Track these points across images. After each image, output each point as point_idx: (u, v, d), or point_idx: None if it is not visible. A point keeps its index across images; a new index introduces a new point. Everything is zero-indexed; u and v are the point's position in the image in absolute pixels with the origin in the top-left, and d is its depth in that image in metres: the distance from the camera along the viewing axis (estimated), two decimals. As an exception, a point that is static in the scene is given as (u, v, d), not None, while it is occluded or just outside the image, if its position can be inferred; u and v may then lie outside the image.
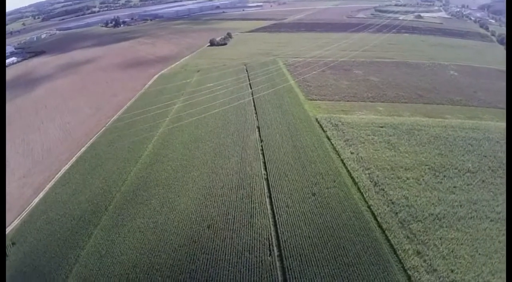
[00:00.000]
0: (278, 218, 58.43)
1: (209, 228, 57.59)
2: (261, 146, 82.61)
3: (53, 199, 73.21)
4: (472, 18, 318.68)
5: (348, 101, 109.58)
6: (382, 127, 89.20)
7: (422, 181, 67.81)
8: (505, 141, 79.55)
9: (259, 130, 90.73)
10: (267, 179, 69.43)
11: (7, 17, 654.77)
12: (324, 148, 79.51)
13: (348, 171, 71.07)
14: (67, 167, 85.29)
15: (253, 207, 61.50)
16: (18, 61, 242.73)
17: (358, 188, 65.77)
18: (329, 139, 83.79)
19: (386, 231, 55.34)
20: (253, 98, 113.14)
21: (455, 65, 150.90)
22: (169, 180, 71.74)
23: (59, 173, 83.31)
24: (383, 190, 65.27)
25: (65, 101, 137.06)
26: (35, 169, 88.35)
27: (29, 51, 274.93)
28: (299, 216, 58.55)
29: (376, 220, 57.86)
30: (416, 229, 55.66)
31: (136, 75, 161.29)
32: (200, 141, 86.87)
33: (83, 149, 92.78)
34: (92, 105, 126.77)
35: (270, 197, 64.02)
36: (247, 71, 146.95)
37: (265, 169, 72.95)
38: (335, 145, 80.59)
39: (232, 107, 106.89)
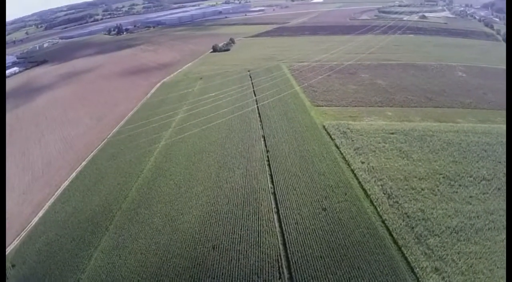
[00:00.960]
0: (287, 236, 54.96)
1: (214, 248, 54.21)
2: (267, 157, 79.32)
3: (52, 218, 70.25)
4: (477, 17, 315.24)
5: (355, 106, 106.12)
6: (392, 134, 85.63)
7: (437, 191, 64.15)
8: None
9: (264, 140, 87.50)
10: (274, 193, 66.04)
11: (10, 26, 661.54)
12: (333, 158, 76.02)
13: (359, 182, 67.50)
14: (67, 183, 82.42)
15: (260, 224, 58.09)
16: (20, 71, 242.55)
17: (371, 201, 62.16)
18: (337, 148, 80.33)
19: (402, 248, 51.73)
20: (257, 106, 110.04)
21: (462, 66, 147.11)
22: (172, 196, 68.53)
23: (59, 189, 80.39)
24: (398, 202, 61.62)
25: (66, 111, 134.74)
26: (35, 184, 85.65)
27: (31, 61, 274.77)
28: (309, 234, 55.04)
29: (392, 236, 54.24)
30: (433, 244, 52.13)
31: (138, 84, 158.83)
32: (204, 153, 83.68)
33: (83, 163, 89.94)
34: (93, 115, 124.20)
35: (278, 213, 60.59)
36: (250, 77, 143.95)
37: (272, 182, 69.57)
38: (344, 154, 77.08)
39: (236, 116, 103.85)
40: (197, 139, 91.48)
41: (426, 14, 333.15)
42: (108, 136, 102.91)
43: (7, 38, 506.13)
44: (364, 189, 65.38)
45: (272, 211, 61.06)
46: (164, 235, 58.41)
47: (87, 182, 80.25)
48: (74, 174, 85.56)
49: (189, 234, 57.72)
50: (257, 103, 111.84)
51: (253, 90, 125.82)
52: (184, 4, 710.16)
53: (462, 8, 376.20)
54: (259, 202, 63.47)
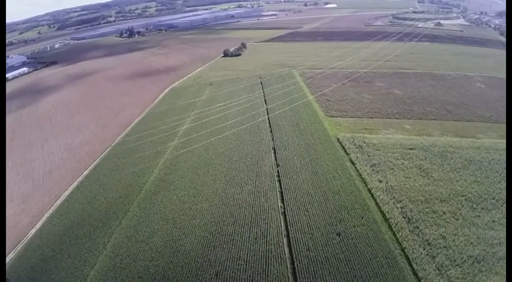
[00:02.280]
0: (297, 265, 50.17)
1: (217, 276, 49.64)
2: (277, 172, 74.66)
3: (49, 231, 66.72)
4: (492, 25, 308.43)
5: (371, 117, 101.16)
6: (411, 149, 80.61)
7: (459, 215, 59.28)
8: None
9: (274, 153, 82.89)
10: (284, 214, 61.31)
11: (23, 26, 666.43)
12: (348, 175, 71.07)
13: (377, 203, 62.56)
14: (67, 193, 78.86)
15: (269, 249, 53.36)
16: (29, 72, 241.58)
17: (390, 226, 57.22)
18: (353, 164, 75.41)
19: (422, 281, 46.93)
20: (268, 115, 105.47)
21: (481, 76, 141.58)
22: (175, 212, 64.12)
23: (59, 200, 76.97)
24: (418, 228, 56.71)
25: (71, 116, 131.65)
26: (35, 193, 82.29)
27: (41, 62, 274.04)
28: (322, 263, 50.20)
29: (412, 266, 49.37)
30: (454, 276, 47.64)
31: (147, 89, 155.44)
32: (211, 165, 79.21)
33: (85, 172, 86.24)
34: (98, 121, 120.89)
35: (288, 237, 55.82)
36: (261, 84, 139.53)
37: (282, 200, 64.84)
38: (360, 171, 72.12)
39: (245, 125, 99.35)
40: (203, 150, 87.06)
41: (441, 22, 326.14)
42: (112, 145, 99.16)
43: (19, 37, 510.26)
44: (382, 212, 60.46)
45: (282, 234, 56.36)
46: (164, 258, 54.02)
47: (87, 193, 76.37)
48: (75, 184, 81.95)
49: (191, 258, 53.22)
50: (267, 113, 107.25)
51: (264, 98, 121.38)
52: (196, 8, 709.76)
53: (476, 16, 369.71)
54: (268, 223, 58.80)
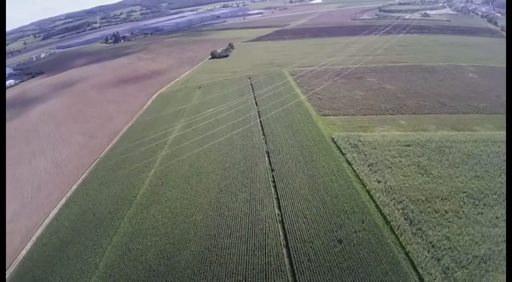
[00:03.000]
0: (299, 277, 47.62)
1: (215, 294, 47.00)
2: (272, 176, 72.11)
3: (40, 252, 63.60)
4: (479, 13, 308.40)
5: (365, 115, 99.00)
6: (408, 146, 78.47)
7: (462, 213, 56.99)
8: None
9: (268, 157, 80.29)
10: (282, 222, 58.72)
11: (9, 37, 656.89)
12: (345, 176, 68.70)
13: (377, 206, 60.20)
14: (56, 210, 75.78)
15: (268, 262, 50.72)
16: (15, 84, 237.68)
17: (392, 229, 54.86)
18: (350, 164, 73.08)
19: (428, 286, 44.54)
20: (259, 117, 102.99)
21: (472, 66, 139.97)
22: (168, 227, 61.27)
23: (48, 218, 73.81)
24: (421, 229, 54.37)
25: (58, 128, 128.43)
26: (24, 211, 79.38)
27: (27, 73, 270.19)
28: (325, 273, 47.70)
29: (417, 271, 47.05)
30: (461, 279, 45.47)
31: (134, 96, 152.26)
32: (203, 174, 76.38)
33: (74, 187, 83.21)
34: (85, 132, 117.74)
35: (287, 247, 53.23)
36: (251, 85, 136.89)
37: (279, 207, 62.26)
38: (358, 172, 69.77)
39: (237, 130, 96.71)
40: (195, 158, 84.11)
41: (428, 12, 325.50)
42: (100, 156, 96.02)
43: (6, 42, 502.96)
44: (383, 214, 58.09)
45: (281, 244, 53.73)
46: (159, 277, 51.19)
47: (76, 210, 73.44)
48: (64, 200, 78.90)
49: (186, 276, 50.45)
50: (259, 115, 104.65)
51: (255, 100, 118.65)
52: (182, 10, 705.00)
53: (463, 4, 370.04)
54: (266, 233, 56.18)
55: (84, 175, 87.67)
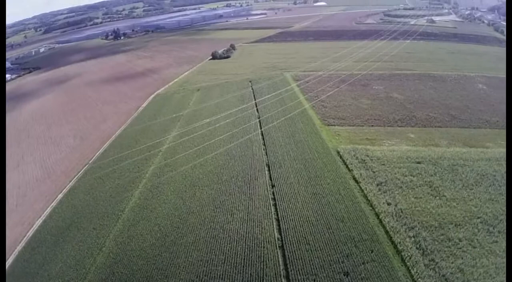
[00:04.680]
0: (301, 318, 42.11)
1: None
2: (272, 193, 66.58)
3: (21, 268, 58.27)
4: (485, 21, 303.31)
5: (372, 126, 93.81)
6: (419, 163, 73.28)
7: (476, 242, 52.22)
8: None
9: (269, 170, 74.73)
10: (282, 248, 53.19)
11: (10, 30, 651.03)
12: (352, 197, 63.23)
13: (387, 232, 54.82)
14: (40, 221, 70.11)
15: (266, 297, 45.22)
16: (12, 79, 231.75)
17: (403, 260, 49.58)
18: (357, 182, 67.69)
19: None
20: (260, 125, 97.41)
21: (481, 76, 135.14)
22: (156, 248, 55.62)
23: (31, 230, 68.10)
24: (434, 260, 49.26)
25: (49, 128, 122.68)
26: (8, 221, 72.86)
27: (24, 68, 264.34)
28: (330, 314, 42.18)
29: (431, 310, 41.63)
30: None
31: (130, 96, 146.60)
32: (197, 187, 70.66)
33: (59, 196, 77.49)
34: (77, 133, 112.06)
35: (288, 279, 47.76)
36: (252, 89, 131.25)
37: (279, 230, 56.70)
38: (366, 192, 64.35)
39: (235, 138, 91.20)
40: (190, 168, 78.41)
41: (434, 18, 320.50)
42: (90, 161, 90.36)
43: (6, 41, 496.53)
44: (393, 242, 52.75)
45: (281, 275, 48.19)
46: (144, 309, 45.60)
47: (60, 223, 67.72)
48: (48, 211, 73.21)
49: (175, 309, 44.87)
50: (260, 122, 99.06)
51: (255, 105, 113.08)
52: (184, 8, 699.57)
53: (468, 11, 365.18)
54: (264, 262, 50.63)
55: (71, 183, 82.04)
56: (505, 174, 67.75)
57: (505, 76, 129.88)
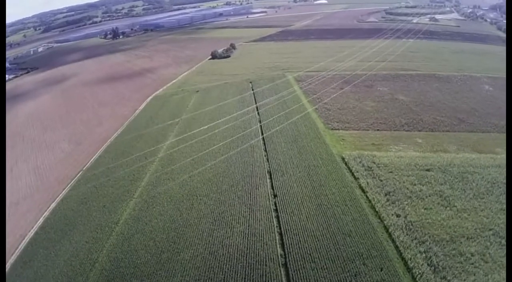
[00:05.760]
0: None
1: None
2: (275, 204, 63.19)
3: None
4: (488, 20, 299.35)
5: (377, 130, 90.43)
6: (428, 170, 70.05)
7: (488, 256, 49.51)
8: None
9: (271, 178, 71.27)
10: (285, 266, 49.76)
11: (9, 29, 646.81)
12: (359, 208, 59.86)
13: (396, 247, 51.63)
14: (31, 233, 66.69)
15: (269, 322, 41.84)
16: (9, 79, 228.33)
17: (414, 278, 46.46)
18: (364, 192, 64.32)
19: None
20: (261, 129, 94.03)
21: (487, 77, 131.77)
22: (150, 266, 52.12)
23: (23, 242, 64.76)
24: (446, 278, 46.37)
25: (44, 131, 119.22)
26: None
27: (22, 68, 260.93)
28: None
29: None
30: None
31: (127, 97, 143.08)
32: (195, 197, 67.19)
33: (53, 205, 74.11)
34: (72, 138, 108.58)
35: (292, 301, 44.26)
36: (253, 90, 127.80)
37: (282, 246, 53.29)
38: (373, 202, 61.00)
39: (235, 143, 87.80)
40: (188, 176, 74.89)
41: (436, 16, 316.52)
42: (84, 168, 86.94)
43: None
44: (404, 259, 49.64)
45: (284, 298, 44.77)
46: None
47: (52, 235, 64.37)
48: (41, 221, 69.86)
49: None
50: (261, 126, 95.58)
51: (256, 108, 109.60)
52: (184, 6, 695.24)
53: (470, 10, 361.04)
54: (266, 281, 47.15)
55: (64, 191, 78.62)
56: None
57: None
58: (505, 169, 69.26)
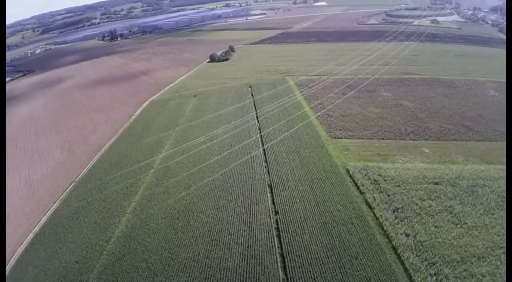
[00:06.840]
0: None
1: None
2: (276, 222, 59.60)
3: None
4: (489, 22, 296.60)
5: (382, 139, 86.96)
6: (437, 184, 66.67)
7: (499, 276, 46.65)
8: None
9: (271, 192, 67.63)
10: (288, 292, 46.10)
11: (8, 30, 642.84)
12: (366, 226, 56.32)
13: (406, 270, 48.19)
14: (21, 250, 63.10)
15: None
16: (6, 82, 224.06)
17: (425, 305, 42.73)
18: (370, 208, 60.79)
19: None
20: (261, 137, 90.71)
21: (492, 82, 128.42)
22: (142, 292, 48.52)
23: (13, 258, 61.29)
24: (456, 301, 42.76)
25: (37, 138, 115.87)
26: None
27: (19, 70, 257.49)
28: None
29: None
30: None
31: (123, 102, 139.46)
32: (191, 214, 63.43)
33: (43, 220, 70.45)
34: (65, 145, 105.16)
35: None
36: (252, 96, 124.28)
37: (284, 270, 49.67)
38: (381, 220, 57.45)
39: (234, 153, 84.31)
40: (183, 189, 71.17)
41: (437, 19, 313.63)
42: (77, 179, 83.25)
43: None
44: (415, 284, 45.76)
45: (287, 330, 41.16)
46: None
47: (41, 252, 60.66)
48: (31, 236, 66.27)
49: None
50: (261, 136, 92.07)
51: (256, 115, 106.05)
52: (183, 8, 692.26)
53: (471, 12, 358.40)
54: (267, 311, 43.57)
55: (56, 204, 74.93)
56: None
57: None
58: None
